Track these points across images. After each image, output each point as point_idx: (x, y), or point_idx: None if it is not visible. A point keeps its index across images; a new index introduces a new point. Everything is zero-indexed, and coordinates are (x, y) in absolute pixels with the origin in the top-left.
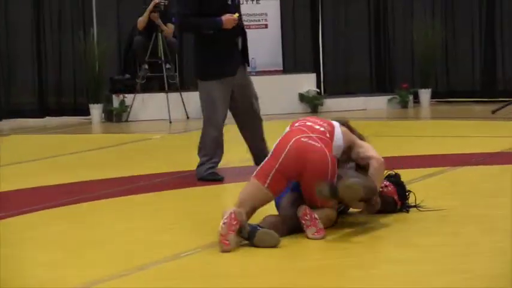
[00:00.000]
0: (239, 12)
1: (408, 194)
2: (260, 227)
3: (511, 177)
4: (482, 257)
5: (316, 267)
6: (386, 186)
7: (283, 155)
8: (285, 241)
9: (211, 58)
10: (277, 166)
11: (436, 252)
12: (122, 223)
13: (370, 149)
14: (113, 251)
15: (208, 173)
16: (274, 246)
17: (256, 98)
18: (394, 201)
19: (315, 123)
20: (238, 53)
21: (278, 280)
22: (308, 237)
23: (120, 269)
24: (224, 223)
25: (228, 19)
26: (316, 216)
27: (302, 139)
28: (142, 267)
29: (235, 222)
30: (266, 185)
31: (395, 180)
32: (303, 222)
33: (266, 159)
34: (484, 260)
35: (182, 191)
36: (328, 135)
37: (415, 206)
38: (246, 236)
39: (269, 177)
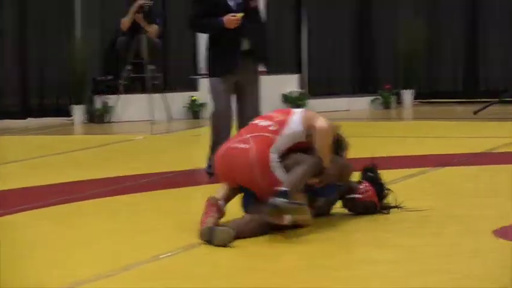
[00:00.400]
0: (248, 11)
1: (387, 192)
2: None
3: (493, 177)
4: (463, 257)
5: (294, 268)
6: (366, 191)
7: (215, 164)
8: (263, 242)
9: (214, 56)
10: (216, 175)
11: (417, 252)
12: (107, 223)
13: (317, 120)
14: (98, 251)
15: (207, 166)
16: (226, 243)
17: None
18: (375, 204)
19: (266, 118)
20: (240, 52)
21: (257, 281)
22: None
23: (106, 269)
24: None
25: (229, 19)
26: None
27: (231, 146)
28: (128, 268)
29: (213, 208)
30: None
31: (372, 177)
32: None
33: None
34: (465, 261)
35: (166, 191)
36: (274, 127)
37: (395, 207)
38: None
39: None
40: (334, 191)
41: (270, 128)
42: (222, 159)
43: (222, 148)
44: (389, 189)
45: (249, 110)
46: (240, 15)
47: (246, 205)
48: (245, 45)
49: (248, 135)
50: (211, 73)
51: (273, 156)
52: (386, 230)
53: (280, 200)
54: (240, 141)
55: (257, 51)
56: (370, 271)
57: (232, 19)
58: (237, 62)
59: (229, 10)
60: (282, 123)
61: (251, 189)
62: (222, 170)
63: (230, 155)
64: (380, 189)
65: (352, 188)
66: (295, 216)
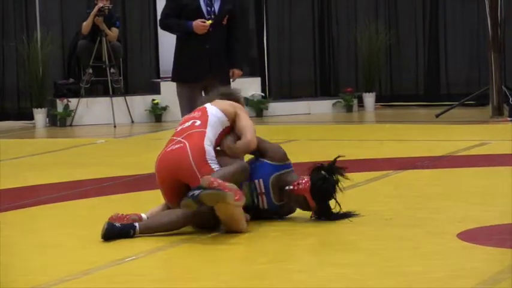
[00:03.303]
0: (218, 20)
1: (334, 195)
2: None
3: (456, 180)
4: (426, 260)
5: (260, 270)
6: (299, 183)
7: (155, 170)
8: (230, 245)
9: (178, 61)
10: (157, 181)
11: (380, 255)
12: (67, 227)
13: (247, 129)
14: (58, 256)
15: None
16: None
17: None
18: (306, 200)
19: (188, 119)
20: (207, 61)
21: (223, 284)
22: (231, 204)
23: (65, 273)
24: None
25: (198, 24)
26: (221, 181)
27: (167, 150)
28: (87, 272)
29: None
30: (166, 200)
31: (320, 176)
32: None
33: None
34: (428, 263)
35: (128, 195)
36: (198, 123)
37: (347, 216)
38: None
39: (162, 193)
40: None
41: (196, 125)
42: (161, 162)
43: (159, 155)
44: (337, 191)
45: None
46: (209, 22)
47: None
48: (210, 54)
49: (179, 138)
50: (172, 77)
51: (209, 149)
52: (350, 233)
53: (195, 190)
54: (173, 144)
55: (219, 64)
56: (333, 274)
57: (201, 25)
58: (203, 69)
59: (201, 16)
60: (203, 117)
61: (190, 185)
62: (163, 173)
63: (168, 157)
64: (321, 193)
65: (291, 181)
66: (213, 203)
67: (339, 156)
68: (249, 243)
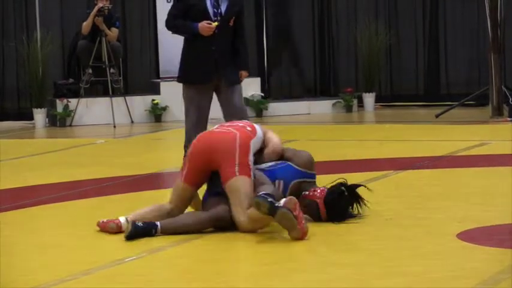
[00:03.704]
0: (224, 22)
1: (350, 212)
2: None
3: (456, 180)
4: (426, 260)
5: (261, 271)
6: (315, 190)
7: (191, 149)
8: (230, 245)
9: (184, 63)
10: (188, 159)
11: (380, 255)
12: (67, 227)
13: (274, 136)
14: (59, 256)
15: None
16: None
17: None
18: (317, 207)
19: (238, 122)
20: (212, 62)
21: (223, 284)
22: (291, 237)
23: (65, 273)
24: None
25: (204, 26)
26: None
27: (214, 130)
28: (87, 272)
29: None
30: (183, 180)
31: (338, 191)
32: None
33: None
34: (428, 263)
35: (128, 195)
36: (249, 129)
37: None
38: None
39: (184, 172)
40: None
41: (247, 129)
42: (204, 139)
43: (203, 133)
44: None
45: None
46: (215, 24)
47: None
48: (216, 55)
49: (230, 128)
50: (178, 78)
51: (252, 150)
52: (350, 233)
53: (273, 199)
54: (223, 127)
55: (226, 65)
56: (333, 274)
57: (207, 26)
58: (210, 71)
59: (207, 17)
60: (253, 129)
61: (220, 170)
62: (201, 149)
63: (215, 136)
64: (337, 202)
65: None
66: (280, 224)
67: (365, 186)
68: (249, 244)
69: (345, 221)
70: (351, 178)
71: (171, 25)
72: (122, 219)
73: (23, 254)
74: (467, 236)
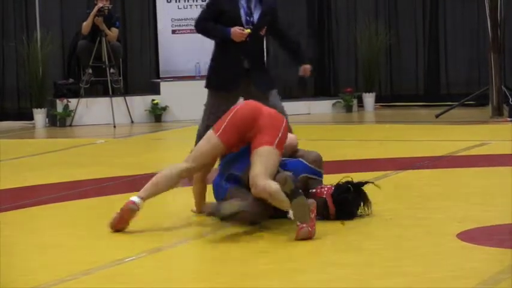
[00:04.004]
0: (256, 31)
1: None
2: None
3: (455, 181)
4: (426, 260)
5: (260, 271)
6: (322, 187)
7: (238, 106)
8: (230, 245)
9: (212, 69)
10: (232, 114)
11: (380, 255)
12: (67, 227)
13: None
14: (58, 256)
15: None
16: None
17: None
18: (326, 204)
19: None
20: (241, 72)
21: (223, 284)
22: (298, 236)
23: (65, 273)
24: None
25: (236, 31)
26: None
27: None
28: (87, 272)
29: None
30: (217, 134)
31: (345, 188)
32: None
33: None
34: (428, 263)
35: (128, 195)
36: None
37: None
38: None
39: (223, 125)
40: None
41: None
42: (254, 105)
43: (251, 101)
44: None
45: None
46: (247, 30)
47: (225, 189)
48: (246, 64)
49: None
50: (209, 85)
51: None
52: (350, 233)
53: (296, 186)
54: None
55: (258, 74)
56: (333, 274)
57: (239, 32)
58: (237, 80)
59: (239, 25)
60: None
61: (257, 136)
62: (249, 110)
63: (265, 108)
64: (345, 197)
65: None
66: (294, 212)
67: (372, 183)
68: (249, 244)
69: (352, 219)
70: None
71: (200, 27)
72: (135, 198)
73: (23, 254)
74: (467, 236)
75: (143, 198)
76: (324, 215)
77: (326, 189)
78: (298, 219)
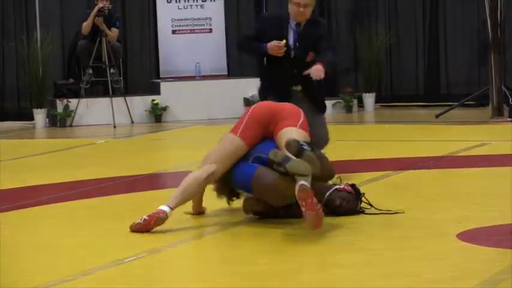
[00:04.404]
0: (301, 58)
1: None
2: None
3: (456, 181)
4: (426, 260)
5: (260, 271)
6: (345, 184)
7: (252, 107)
8: (231, 245)
9: (261, 91)
10: (249, 113)
11: (381, 256)
12: (66, 228)
13: None
14: (58, 256)
15: None
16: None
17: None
18: (353, 195)
19: None
20: (289, 94)
21: (223, 284)
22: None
23: (65, 273)
24: (144, 220)
25: (272, 44)
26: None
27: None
28: (87, 272)
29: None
30: (238, 135)
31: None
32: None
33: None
34: (428, 264)
35: (128, 195)
36: None
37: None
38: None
39: (242, 125)
40: None
41: None
42: (269, 103)
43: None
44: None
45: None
46: (283, 42)
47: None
48: (293, 88)
49: None
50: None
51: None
52: (350, 234)
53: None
54: None
55: (309, 97)
56: (333, 274)
57: (275, 45)
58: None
59: (286, 52)
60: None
61: (280, 122)
62: (265, 107)
63: (280, 104)
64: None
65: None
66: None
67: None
68: (249, 244)
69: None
70: (351, 178)
71: (240, 44)
72: (165, 208)
73: (23, 254)
74: (467, 236)
75: (172, 208)
76: (353, 209)
77: (343, 186)
78: (314, 169)
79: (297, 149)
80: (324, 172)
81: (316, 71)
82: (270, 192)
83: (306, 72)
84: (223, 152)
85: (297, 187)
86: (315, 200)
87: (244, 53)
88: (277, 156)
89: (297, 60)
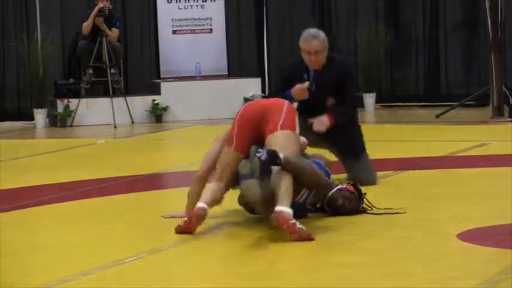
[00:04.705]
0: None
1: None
2: None
3: (456, 181)
4: (426, 260)
5: (260, 271)
6: (347, 184)
7: (239, 114)
8: (230, 245)
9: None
10: (237, 120)
11: (380, 256)
12: (66, 228)
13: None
14: (59, 256)
15: None
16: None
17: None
18: (355, 195)
19: None
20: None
21: (223, 284)
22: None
23: (65, 273)
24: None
25: (295, 89)
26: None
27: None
28: (87, 272)
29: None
30: (233, 150)
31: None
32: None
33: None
34: (428, 264)
35: (128, 195)
36: None
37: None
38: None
39: (233, 143)
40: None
41: None
42: (252, 105)
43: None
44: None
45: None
46: (306, 84)
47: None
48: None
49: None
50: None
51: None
52: (350, 233)
53: (265, 155)
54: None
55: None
56: (333, 274)
57: (299, 89)
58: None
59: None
60: None
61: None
62: (250, 112)
63: (262, 102)
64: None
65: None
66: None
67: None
68: (248, 244)
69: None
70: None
71: (269, 97)
72: (202, 204)
73: (24, 254)
74: (467, 236)
75: (209, 205)
76: (355, 208)
77: (345, 186)
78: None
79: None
80: (307, 183)
81: (319, 124)
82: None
83: (310, 121)
84: (223, 168)
85: (273, 215)
86: (291, 221)
87: None
88: (243, 171)
89: (315, 103)
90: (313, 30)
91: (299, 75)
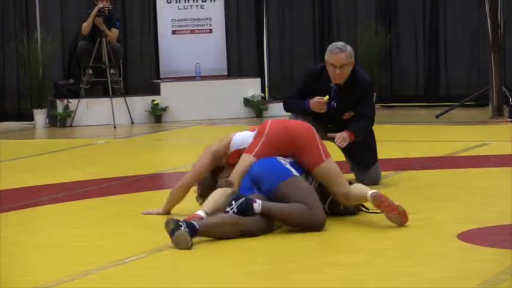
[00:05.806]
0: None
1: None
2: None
3: (455, 181)
4: (426, 261)
5: (261, 271)
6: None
7: (267, 128)
8: (230, 245)
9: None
10: (263, 138)
11: (380, 256)
12: (66, 228)
13: None
14: (58, 256)
15: None
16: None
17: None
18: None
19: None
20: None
21: (223, 284)
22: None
23: (65, 273)
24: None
25: (314, 102)
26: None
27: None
28: (87, 272)
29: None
30: (253, 154)
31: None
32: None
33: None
34: (428, 264)
35: (128, 195)
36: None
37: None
38: (169, 231)
39: (257, 147)
40: None
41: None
42: (282, 122)
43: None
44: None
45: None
46: (326, 98)
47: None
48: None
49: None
50: None
51: None
52: (350, 234)
53: (235, 209)
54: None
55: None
56: (332, 275)
57: (317, 102)
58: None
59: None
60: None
61: (304, 156)
62: (281, 129)
63: (287, 122)
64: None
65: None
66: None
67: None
68: (248, 244)
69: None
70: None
71: (285, 105)
72: (201, 212)
73: (23, 254)
74: (467, 236)
75: (208, 213)
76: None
77: None
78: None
79: (171, 229)
80: (291, 223)
81: (342, 140)
82: None
83: (330, 135)
84: (239, 173)
85: (368, 197)
86: (390, 201)
87: (289, 112)
88: (170, 225)
89: (331, 114)
90: (340, 44)
91: (322, 88)
